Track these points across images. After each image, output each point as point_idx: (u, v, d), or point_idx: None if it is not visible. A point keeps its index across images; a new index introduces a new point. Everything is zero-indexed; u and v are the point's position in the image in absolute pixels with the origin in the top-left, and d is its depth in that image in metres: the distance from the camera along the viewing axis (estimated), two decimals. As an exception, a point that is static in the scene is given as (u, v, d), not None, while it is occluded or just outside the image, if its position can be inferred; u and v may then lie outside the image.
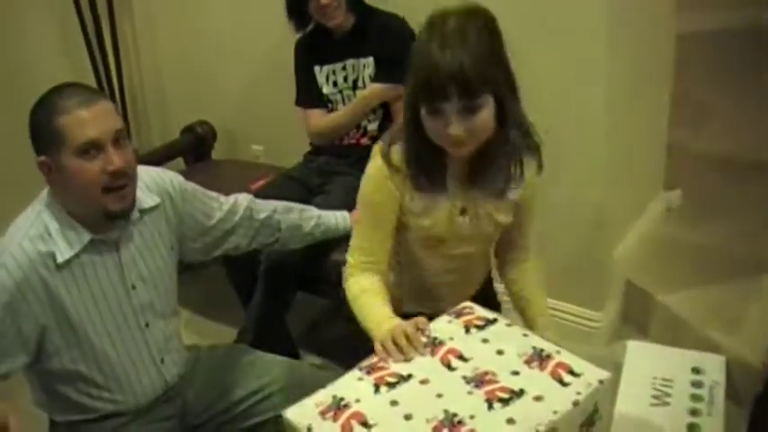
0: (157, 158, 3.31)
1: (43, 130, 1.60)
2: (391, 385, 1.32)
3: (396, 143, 1.55)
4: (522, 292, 1.83)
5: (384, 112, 2.62)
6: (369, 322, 1.54)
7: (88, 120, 1.58)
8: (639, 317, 2.62)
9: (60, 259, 1.62)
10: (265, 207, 2.10)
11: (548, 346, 1.39)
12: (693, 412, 2.09)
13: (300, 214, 2.18)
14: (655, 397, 2.16)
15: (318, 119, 2.68)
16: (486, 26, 1.40)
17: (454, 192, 1.58)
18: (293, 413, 1.29)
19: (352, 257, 1.69)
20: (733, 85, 3.40)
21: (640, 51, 2.43)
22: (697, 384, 2.18)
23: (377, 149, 1.59)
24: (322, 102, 2.67)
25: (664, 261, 2.67)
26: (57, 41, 3.45)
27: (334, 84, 2.64)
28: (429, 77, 1.35)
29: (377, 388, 1.31)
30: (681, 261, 2.65)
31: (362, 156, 2.60)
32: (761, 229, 2.69)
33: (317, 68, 2.65)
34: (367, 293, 1.62)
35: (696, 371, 2.23)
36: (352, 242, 1.70)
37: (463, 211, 1.62)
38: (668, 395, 2.16)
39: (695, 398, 2.13)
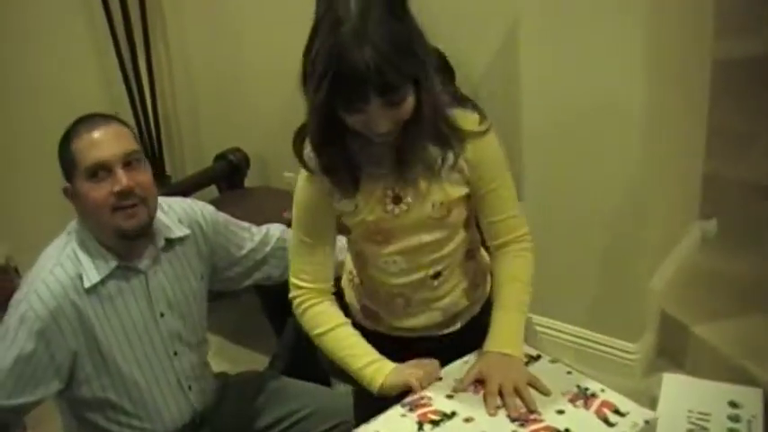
0: (190, 186, 3.34)
1: (62, 158, 1.65)
2: (435, 423, 1.31)
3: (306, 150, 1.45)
4: (494, 285, 1.58)
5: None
6: (353, 364, 1.48)
7: (97, 142, 1.62)
8: (675, 349, 2.59)
9: (87, 284, 1.65)
10: None
11: (592, 385, 1.39)
12: (732, 446, 2.07)
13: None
14: (691, 431, 2.14)
15: None
16: (397, 7, 1.25)
17: (384, 180, 1.43)
18: (336, 450, 1.29)
19: (298, 280, 1.58)
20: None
21: (678, 75, 2.42)
22: (734, 418, 2.16)
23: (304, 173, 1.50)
24: None
25: (699, 291, 2.64)
26: (93, 70, 3.49)
27: None
28: (342, 81, 1.21)
29: (420, 426, 1.31)
30: (716, 291, 2.62)
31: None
32: (797, 259, 2.67)
33: None
34: (337, 328, 1.54)
35: (733, 404, 2.20)
36: (295, 265, 1.58)
37: (397, 199, 1.45)
38: (706, 429, 2.13)
39: (733, 432, 2.11)
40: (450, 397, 1.38)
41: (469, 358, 1.48)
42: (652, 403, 2.25)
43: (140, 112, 3.49)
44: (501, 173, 1.48)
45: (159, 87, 3.64)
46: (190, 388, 1.86)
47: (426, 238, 1.49)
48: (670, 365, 2.54)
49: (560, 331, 2.67)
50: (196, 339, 1.89)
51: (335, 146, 1.37)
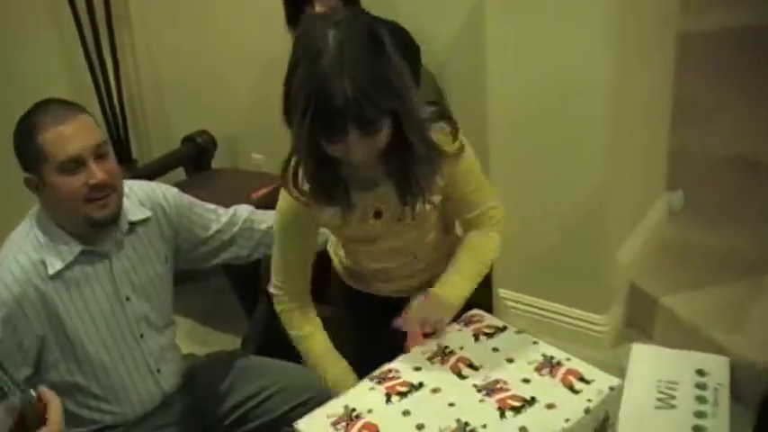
0: (157, 169, 3.33)
1: (26, 148, 1.64)
2: (403, 395, 1.32)
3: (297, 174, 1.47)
4: (458, 249, 1.66)
5: None
6: (327, 374, 1.66)
7: (68, 136, 1.62)
8: (644, 320, 2.62)
9: (52, 271, 1.67)
10: (266, 218, 2.11)
11: (558, 354, 1.41)
12: (699, 414, 2.09)
13: None
14: (660, 400, 2.16)
15: None
16: (372, 42, 1.30)
17: (363, 198, 1.50)
18: (305, 424, 1.30)
19: (279, 282, 1.69)
20: (737, 87, 3.40)
21: (643, 50, 2.43)
22: (701, 386, 2.19)
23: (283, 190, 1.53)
24: None
25: (667, 263, 2.67)
26: (55, 54, 3.46)
27: None
28: (322, 114, 1.27)
29: (388, 398, 1.32)
30: (684, 263, 2.65)
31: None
32: (765, 230, 2.69)
33: None
34: (310, 338, 1.72)
35: (700, 373, 2.23)
36: (276, 268, 1.68)
37: (377, 214, 1.53)
38: (673, 398, 2.17)
39: (700, 400, 2.14)
40: (417, 369, 1.39)
41: (461, 327, 1.53)
42: (621, 374, 2.28)
43: (105, 97, 3.46)
44: (475, 178, 1.59)
45: (124, 71, 3.62)
46: (159, 371, 1.87)
47: (408, 236, 1.61)
48: (639, 337, 2.56)
49: (529, 305, 2.68)
50: (163, 322, 1.90)
51: (329, 172, 1.42)
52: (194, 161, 3.43)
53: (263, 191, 2.76)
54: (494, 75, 2.41)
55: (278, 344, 2.51)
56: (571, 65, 2.25)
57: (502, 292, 2.73)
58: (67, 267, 1.69)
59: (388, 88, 1.30)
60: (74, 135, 1.62)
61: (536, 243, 2.56)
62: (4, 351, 1.61)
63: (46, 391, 1.01)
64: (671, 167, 2.89)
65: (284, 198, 1.54)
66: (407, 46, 2.55)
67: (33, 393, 0.99)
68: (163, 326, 1.89)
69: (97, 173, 1.63)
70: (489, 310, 2.64)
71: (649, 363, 2.32)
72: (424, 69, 2.59)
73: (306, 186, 1.46)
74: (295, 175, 1.46)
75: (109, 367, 1.78)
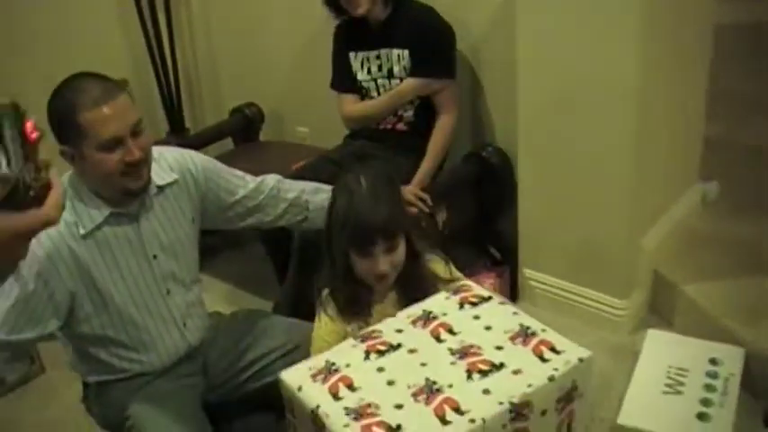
0: (207, 138, 3.45)
1: (65, 123, 1.71)
2: (381, 353, 1.40)
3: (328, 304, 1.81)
4: None
5: (420, 100, 2.69)
6: None
7: (109, 117, 1.70)
8: (665, 307, 2.62)
9: (83, 231, 1.77)
10: (294, 187, 2.20)
11: (535, 325, 1.44)
12: (705, 402, 2.12)
13: (329, 195, 2.28)
14: (668, 385, 2.19)
15: (351, 105, 2.77)
16: (389, 181, 1.79)
17: (385, 314, 1.72)
18: (287, 374, 1.39)
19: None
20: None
21: (675, 41, 2.43)
22: (712, 375, 2.21)
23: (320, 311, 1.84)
24: (355, 87, 2.75)
25: (694, 252, 2.66)
26: (113, 25, 3.58)
27: (368, 71, 2.71)
28: (361, 233, 1.68)
29: (367, 355, 1.40)
30: (711, 253, 2.63)
31: (398, 141, 2.72)
32: (795, 224, 2.67)
33: (351, 55, 2.72)
34: None
35: (713, 362, 2.25)
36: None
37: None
38: (682, 384, 2.19)
39: (708, 388, 2.16)
40: (399, 331, 1.47)
41: (449, 295, 1.59)
42: (635, 358, 2.31)
43: (160, 69, 3.58)
44: None
45: (179, 45, 3.73)
46: (185, 325, 1.99)
47: None
48: (659, 323, 2.56)
49: (552, 285, 2.72)
50: (189, 279, 2.01)
51: (358, 291, 1.79)
52: (242, 132, 3.54)
53: (302, 163, 2.85)
54: (524, 62, 2.44)
55: (304, 312, 2.63)
56: (598, 55, 2.26)
57: (527, 273, 2.77)
58: (98, 228, 1.80)
59: (400, 208, 1.81)
60: (113, 116, 1.70)
61: (562, 226, 2.59)
62: (36, 303, 1.74)
63: (54, 175, 0.93)
64: (706, 158, 2.87)
65: (320, 321, 1.83)
66: (443, 29, 2.62)
67: (40, 175, 0.91)
68: (189, 282, 2.00)
69: (135, 151, 1.74)
70: (514, 288, 2.73)
71: (663, 348, 2.35)
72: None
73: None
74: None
75: (137, 321, 1.90)
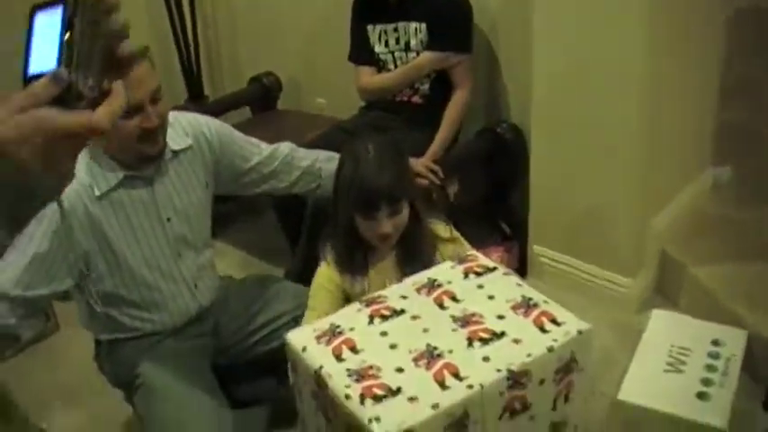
0: (225, 105, 3.48)
1: None
2: (385, 318, 1.43)
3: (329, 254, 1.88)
4: None
5: (436, 74, 2.71)
6: None
7: (130, 84, 1.72)
8: (672, 288, 2.64)
9: (98, 192, 1.81)
10: (307, 155, 2.23)
11: (537, 297, 1.46)
12: (705, 382, 2.14)
13: None
14: (669, 364, 2.21)
15: (368, 76, 2.79)
16: (396, 150, 1.85)
17: (385, 271, 1.86)
18: (293, 335, 1.42)
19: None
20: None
21: (687, 28, 2.43)
22: (714, 356, 2.22)
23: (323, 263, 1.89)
24: (373, 60, 2.77)
25: (703, 235, 2.67)
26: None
27: (386, 44, 2.72)
28: (366, 196, 1.75)
29: (371, 319, 1.43)
30: (720, 236, 2.64)
31: (413, 113, 2.74)
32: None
33: (369, 27, 2.74)
34: None
35: (716, 343, 2.27)
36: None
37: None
38: (683, 363, 2.21)
39: (710, 368, 2.18)
40: (404, 297, 1.49)
41: (454, 264, 1.60)
42: (640, 337, 2.33)
43: (181, 36, 3.61)
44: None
45: (200, 11, 3.76)
46: (196, 286, 2.03)
47: None
48: (666, 304, 2.58)
49: (561, 262, 2.75)
50: (201, 242, 2.04)
51: (356, 247, 1.85)
52: (260, 101, 3.57)
53: (317, 132, 2.88)
54: (539, 38, 2.46)
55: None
56: (611, 33, 2.28)
57: (536, 249, 2.80)
58: (113, 190, 1.84)
59: (406, 177, 1.86)
60: (135, 83, 1.71)
61: (572, 203, 2.62)
62: (51, 261, 1.77)
63: (119, 86, 0.82)
64: (721, 144, 2.87)
65: (319, 270, 1.89)
66: (461, 4, 2.63)
67: (98, 84, 0.79)
68: (201, 246, 2.04)
69: (153, 118, 1.77)
70: (523, 264, 2.75)
71: (667, 328, 2.36)
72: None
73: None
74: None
75: (149, 281, 1.94)
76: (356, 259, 1.85)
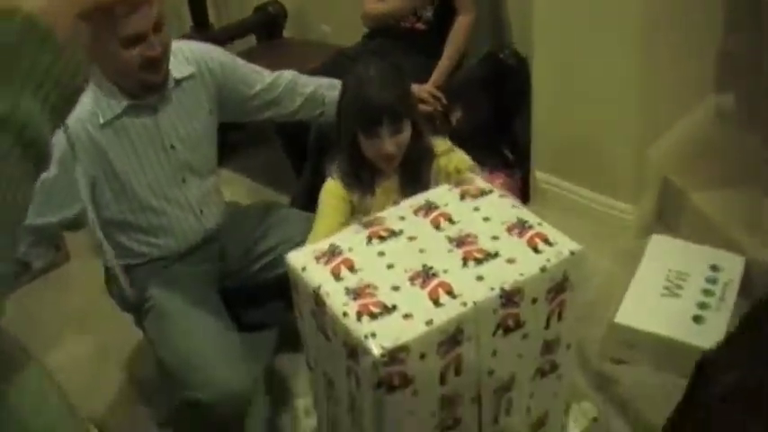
0: (231, 34, 3.48)
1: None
2: (382, 239, 1.47)
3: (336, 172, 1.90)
4: None
5: (440, 0, 2.70)
6: None
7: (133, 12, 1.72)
8: (673, 214, 2.66)
9: (102, 120, 1.84)
10: (310, 82, 2.24)
11: (532, 219, 1.49)
12: (701, 305, 2.19)
13: None
14: (666, 288, 2.26)
15: (373, 3, 2.78)
16: (398, 71, 1.87)
17: (389, 192, 1.88)
18: (294, 255, 1.47)
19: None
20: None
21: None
22: (711, 280, 2.27)
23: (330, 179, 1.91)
24: None
25: (704, 161, 2.66)
26: None
27: None
28: (368, 112, 1.77)
29: (369, 240, 1.47)
30: (722, 163, 2.63)
31: (416, 40, 2.73)
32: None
33: None
34: None
35: (713, 268, 2.31)
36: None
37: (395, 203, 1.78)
38: (680, 287, 2.26)
39: (707, 293, 2.23)
40: (402, 219, 1.53)
41: (451, 187, 1.64)
42: (637, 263, 2.36)
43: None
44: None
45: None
46: (201, 212, 2.06)
47: None
48: (666, 230, 2.60)
49: (561, 188, 2.77)
50: (205, 169, 2.08)
51: (362, 167, 1.87)
52: (265, 29, 3.56)
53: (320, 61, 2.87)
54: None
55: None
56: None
57: (538, 174, 2.82)
58: (117, 118, 1.86)
59: (408, 99, 1.88)
60: (138, 11, 1.70)
61: (572, 129, 2.63)
62: (59, 188, 1.81)
63: None
64: (725, 71, 2.86)
65: (329, 183, 1.91)
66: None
67: None
68: (205, 173, 2.07)
69: (157, 47, 1.77)
70: (526, 190, 2.77)
71: (665, 253, 2.40)
72: None
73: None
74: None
75: (155, 207, 1.98)
76: (363, 178, 1.88)
